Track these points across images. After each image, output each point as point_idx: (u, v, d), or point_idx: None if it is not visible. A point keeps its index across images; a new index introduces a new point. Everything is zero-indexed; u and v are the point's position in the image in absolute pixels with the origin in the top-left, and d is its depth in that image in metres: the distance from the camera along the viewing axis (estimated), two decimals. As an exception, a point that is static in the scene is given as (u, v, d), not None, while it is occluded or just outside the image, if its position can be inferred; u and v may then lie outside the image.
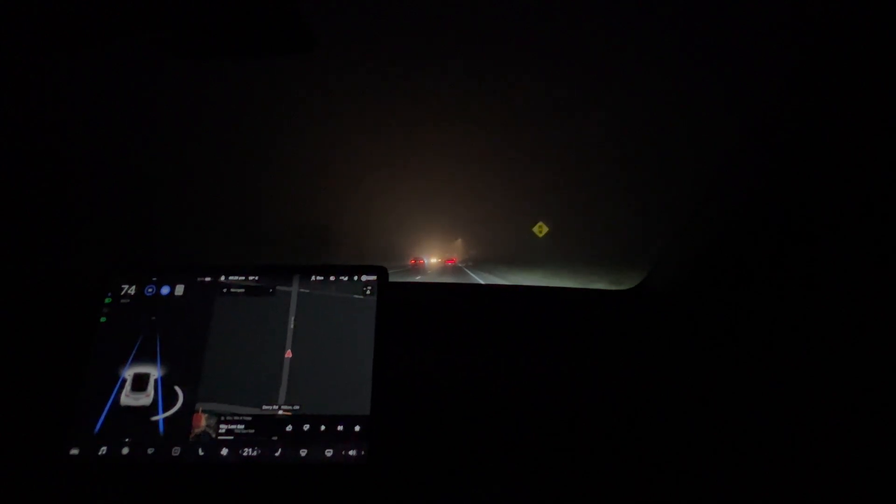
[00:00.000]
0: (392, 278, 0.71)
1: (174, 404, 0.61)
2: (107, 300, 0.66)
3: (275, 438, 0.59)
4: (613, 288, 1.01)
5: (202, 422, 0.60)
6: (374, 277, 0.67)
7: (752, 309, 0.77)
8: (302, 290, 0.67)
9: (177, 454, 0.59)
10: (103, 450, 0.59)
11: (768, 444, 0.66)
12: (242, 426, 0.60)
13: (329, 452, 0.59)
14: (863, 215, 0.63)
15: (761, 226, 0.70)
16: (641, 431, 0.70)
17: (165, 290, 0.67)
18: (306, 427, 0.60)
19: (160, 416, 0.60)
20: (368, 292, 0.67)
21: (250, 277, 0.67)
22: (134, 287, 0.67)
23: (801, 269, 0.71)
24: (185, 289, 0.67)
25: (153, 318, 0.65)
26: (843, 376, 0.66)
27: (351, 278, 0.67)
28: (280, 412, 0.60)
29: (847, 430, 0.63)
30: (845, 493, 0.60)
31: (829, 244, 0.68)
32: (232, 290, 0.67)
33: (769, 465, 0.65)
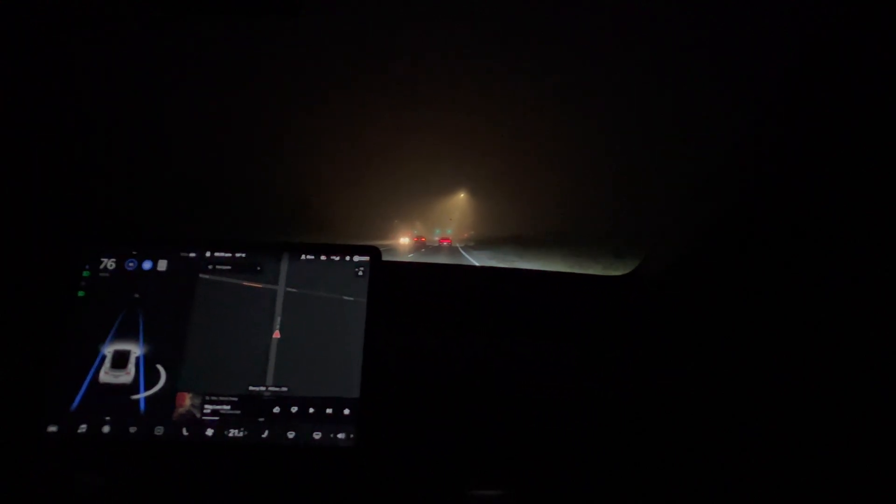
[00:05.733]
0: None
1: (156, 383, 0.59)
2: (85, 273, 0.63)
3: (261, 420, 0.58)
4: (607, 273, 1.00)
5: (186, 401, 0.58)
6: (366, 258, 0.65)
7: (745, 295, 0.77)
8: (291, 268, 0.64)
9: (160, 434, 0.57)
10: (83, 428, 0.57)
11: (762, 429, 0.67)
12: (228, 407, 0.58)
13: (317, 435, 0.57)
14: (855, 207, 0.63)
15: (756, 213, 0.70)
16: (634, 415, 0.70)
17: (147, 265, 0.64)
18: (294, 409, 0.58)
19: (141, 395, 0.58)
20: (360, 273, 0.64)
21: (237, 254, 0.65)
22: (114, 261, 0.64)
23: (794, 255, 0.71)
24: (168, 264, 0.64)
25: (135, 294, 0.62)
26: (835, 362, 0.67)
27: (342, 258, 0.65)
28: (267, 393, 0.59)
29: (839, 412, 0.64)
30: (840, 480, 0.61)
31: (821, 231, 0.68)
32: (217, 266, 0.64)
33: (762, 449, 0.66)
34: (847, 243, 0.65)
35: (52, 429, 0.57)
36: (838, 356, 0.66)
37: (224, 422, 0.58)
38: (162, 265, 0.64)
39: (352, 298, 0.63)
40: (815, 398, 0.66)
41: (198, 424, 0.57)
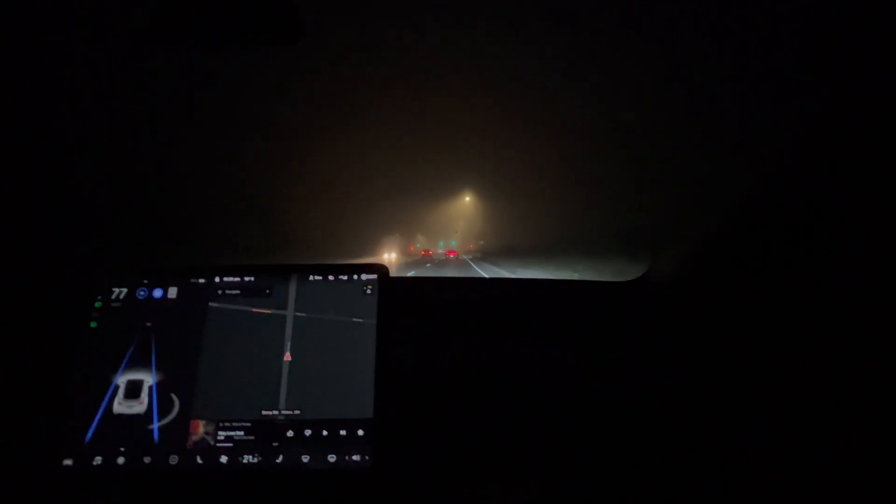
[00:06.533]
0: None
1: (170, 411, 0.59)
2: (97, 304, 0.64)
3: (275, 444, 0.57)
4: (616, 279, 0.99)
5: (200, 429, 0.58)
6: (374, 276, 0.65)
7: (754, 300, 0.76)
8: (300, 290, 0.64)
9: (174, 462, 0.57)
10: (98, 460, 0.57)
11: (774, 431, 0.66)
12: (242, 432, 0.58)
13: (332, 458, 0.57)
14: (862, 211, 0.63)
15: (762, 218, 0.70)
16: (651, 423, 0.69)
17: (158, 293, 0.64)
18: (308, 432, 0.58)
19: (155, 424, 0.58)
20: (369, 292, 0.64)
21: (246, 278, 0.65)
22: (125, 290, 0.64)
23: (801, 259, 0.71)
24: (179, 291, 0.64)
25: (147, 322, 0.62)
26: (843, 366, 0.65)
27: (350, 277, 0.65)
28: (280, 417, 0.58)
29: (845, 414, 0.63)
30: (845, 481, 0.60)
31: (829, 236, 0.67)
32: (227, 291, 0.64)
33: (768, 453, 0.65)
34: (855, 246, 0.65)
35: (68, 462, 0.57)
36: (847, 360, 0.65)
37: (238, 448, 0.57)
38: (172, 293, 0.64)
39: (361, 320, 0.63)
40: (823, 400, 0.65)
41: (212, 451, 0.57)
